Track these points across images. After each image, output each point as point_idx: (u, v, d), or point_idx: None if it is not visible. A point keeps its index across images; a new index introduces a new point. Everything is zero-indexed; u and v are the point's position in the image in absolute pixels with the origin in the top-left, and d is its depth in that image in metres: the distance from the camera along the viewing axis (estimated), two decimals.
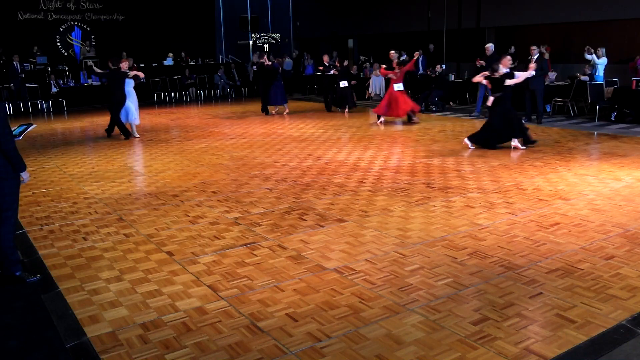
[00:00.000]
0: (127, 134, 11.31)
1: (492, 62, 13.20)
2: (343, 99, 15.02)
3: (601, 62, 13.72)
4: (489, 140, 9.24)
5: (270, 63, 14.96)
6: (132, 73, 11.25)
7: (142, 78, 11.65)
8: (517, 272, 4.25)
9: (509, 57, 9.41)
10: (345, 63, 15.71)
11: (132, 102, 11.28)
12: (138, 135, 11.49)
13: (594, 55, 13.69)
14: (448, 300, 3.81)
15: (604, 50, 14.04)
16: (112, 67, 11.20)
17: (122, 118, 11.23)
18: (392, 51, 13.12)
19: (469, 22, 17.12)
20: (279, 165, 8.40)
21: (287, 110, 15.34)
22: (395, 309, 3.70)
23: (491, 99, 9.15)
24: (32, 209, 6.35)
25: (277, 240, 5.12)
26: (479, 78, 9.64)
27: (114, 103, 11.14)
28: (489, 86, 9.30)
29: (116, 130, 11.55)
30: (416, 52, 13.92)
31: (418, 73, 18.13)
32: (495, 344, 3.24)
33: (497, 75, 9.02)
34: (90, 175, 8.10)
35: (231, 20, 23.96)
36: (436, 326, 3.46)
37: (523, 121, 12.25)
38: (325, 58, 16.37)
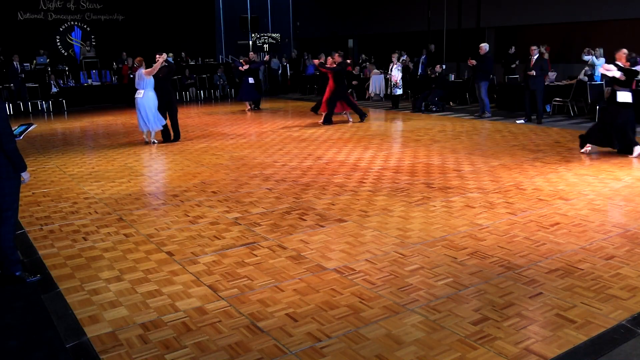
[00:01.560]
0: (169, 137, 10.77)
1: (485, 62, 13.28)
2: None
3: (600, 63, 13.73)
4: (613, 139, 8.37)
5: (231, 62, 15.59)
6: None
7: None
8: (517, 272, 4.25)
9: (624, 50, 8.46)
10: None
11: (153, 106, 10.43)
12: (155, 141, 10.77)
13: (592, 57, 13.70)
14: (448, 300, 3.81)
15: (601, 50, 14.05)
16: (167, 62, 10.52)
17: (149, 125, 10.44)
18: (337, 54, 13.58)
19: (469, 22, 17.12)
20: (279, 165, 8.40)
21: (247, 108, 16.18)
22: (395, 309, 3.70)
23: (627, 94, 8.20)
24: (32, 209, 6.35)
25: (277, 240, 5.12)
26: (608, 68, 8.33)
27: (173, 104, 10.63)
28: (622, 78, 8.20)
29: (134, 133, 10.89)
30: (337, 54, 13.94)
31: (418, 73, 18.17)
32: (495, 344, 3.24)
33: (632, 68, 8.17)
34: (90, 175, 8.10)
35: (231, 20, 23.97)
36: (436, 326, 3.46)
37: (523, 121, 12.36)
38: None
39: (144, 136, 10.75)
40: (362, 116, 13.26)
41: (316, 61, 14.19)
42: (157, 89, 10.30)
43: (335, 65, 12.89)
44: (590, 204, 6.00)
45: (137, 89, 10.38)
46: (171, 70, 10.73)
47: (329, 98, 12.84)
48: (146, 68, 10.34)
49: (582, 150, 8.74)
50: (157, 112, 10.36)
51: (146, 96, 10.27)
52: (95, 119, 15.16)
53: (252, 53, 17.46)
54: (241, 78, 16.04)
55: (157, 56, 10.29)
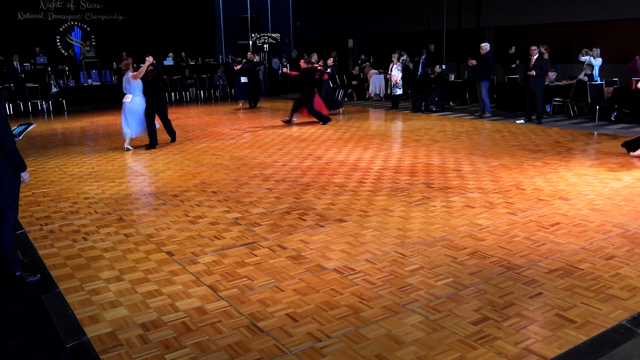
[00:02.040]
0: (154, 144, 10.14)
1: (485, 62, 13.28)
2: (332, 99, 14.99)
3: (597, 63, 13.76)
4: None
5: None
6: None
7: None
8: (517, 272, 4.25)
9: None
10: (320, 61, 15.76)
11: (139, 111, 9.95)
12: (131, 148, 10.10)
13: (590, 57, 13.73)
14: (448, 300, 3.81)
15: (598, 50, 14.07)
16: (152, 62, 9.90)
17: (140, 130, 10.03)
18: (303, 60, 13.75)
19: (469, 22, 17.12)
20: (279, 165, 8.40)
21: (239, 106, 16.82)
22: (395, 309, 3.70)
23: None
24: (32, 209, 6.35)
25: (277, 240, 5.12)
26: None
27: (164, 106, 10.29)
28: None
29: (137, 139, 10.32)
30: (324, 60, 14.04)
31: (418, 73, 18.18)
32: (495, 344, 3.24)
33: None
34: (90, 175, 8.10)
35: (231, 20, 23.96)
36: (436, 326, 3.46)
37: (523, 121, 12.36)
38: (314, 58, 16.15)
39: (126, 144, 10.08)
40: (325, 121, 12.90)
41: (285, 69, 14.52)
42: (147, 92, 9.86)
43: (299, 73, 12.96)
44: (590, 204, 6.00)
45: (125, 94, 9.87)
46: (159, 73, 10.20)
47: (297, 100, 13.06)
48: (133, 71, 9.82)
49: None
50: (143, 118, 9.89)
51: (134, 101, 9.77)
52: (95, 119, 15.16)
53: (250, 53, 17.54)
54: (236, 78, 16.50)
55: (147, 58, 9.89)
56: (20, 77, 16.86)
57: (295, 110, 12.98)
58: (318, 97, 13.14)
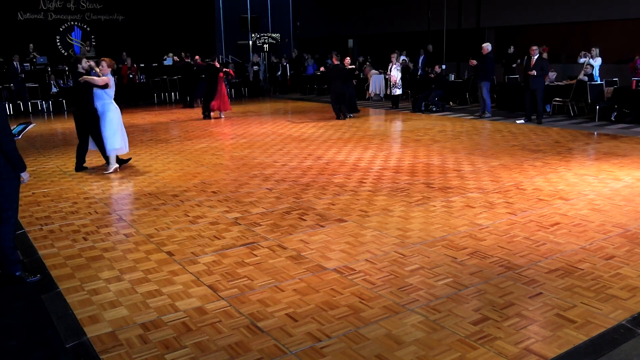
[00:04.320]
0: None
1: (486, 62, 13.28)
2: (353, 103, 15.04)
3: (596, 63, 13.78)
4: None
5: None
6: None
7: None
8: (517, 272, 4.25)
9: None
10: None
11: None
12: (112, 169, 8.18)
13: (588, 58, 13.74)
14: (448, 300, 3.81)
15: (597, 50, 14.08)
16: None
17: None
18: (197, 56, 16.58)
19: (469, 22, 17.13)
20: (279, 165, 8.40)
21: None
22: (395, 309, 3.70)
23: None
24: (32, 209, 6.35)
25: (277, 240, 5.12)
26: None
27: (87, 120, 7.98)
28: None
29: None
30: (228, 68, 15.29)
31: (418, 73, 18.18)
32: (495, 344, 3.24)
33: None
34: (90, 175, 8.09)
35: (231, 20, 23.98)
36: (436, 326, 3.46)
37: (523, 121, 12.36)
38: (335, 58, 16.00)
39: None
40: (205, 117, 14.28)
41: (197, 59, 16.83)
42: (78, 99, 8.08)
43: (203, 65, 15.10)
44: (590, 204, 6.00)
45: None
46: (80, 84, 7.77)
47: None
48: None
49: None
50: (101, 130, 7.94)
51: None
52: None
53: (197, 57, 17.66)
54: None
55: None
56: (20, 77, 16.85)
57: (208, 106, 14.40)
58: (225, 94, 14.48)
